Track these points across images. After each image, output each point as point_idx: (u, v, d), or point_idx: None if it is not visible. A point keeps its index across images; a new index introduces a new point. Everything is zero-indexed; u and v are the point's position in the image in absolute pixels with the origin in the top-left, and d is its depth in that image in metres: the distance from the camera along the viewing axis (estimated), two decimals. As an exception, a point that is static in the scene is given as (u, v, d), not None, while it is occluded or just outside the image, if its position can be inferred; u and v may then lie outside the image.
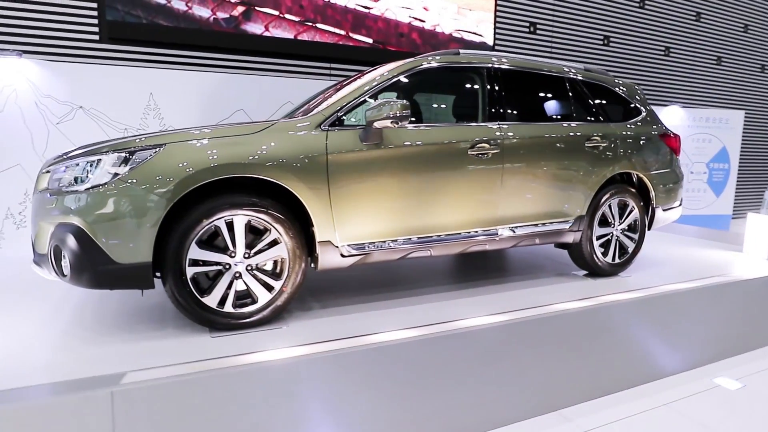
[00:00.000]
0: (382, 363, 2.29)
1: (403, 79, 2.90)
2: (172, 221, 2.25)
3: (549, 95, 3.43)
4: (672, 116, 7.64)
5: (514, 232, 3.10)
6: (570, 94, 3.45)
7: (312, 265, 2.63)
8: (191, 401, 1.88)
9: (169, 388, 1.83)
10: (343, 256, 2.62)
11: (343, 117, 2.64)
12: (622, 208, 3.55)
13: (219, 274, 2.36)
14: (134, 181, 2.17)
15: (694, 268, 3.85)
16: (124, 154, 2.21)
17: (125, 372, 1.93)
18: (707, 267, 3.87)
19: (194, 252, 2.28)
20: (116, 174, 2.18)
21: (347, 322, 2.57)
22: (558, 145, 3.21)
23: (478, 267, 3.82)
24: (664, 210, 3.80)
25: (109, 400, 1.70)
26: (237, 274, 2.38)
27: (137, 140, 2.28)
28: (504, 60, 3.24)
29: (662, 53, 8.25)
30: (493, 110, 3.07)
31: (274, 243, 2.44)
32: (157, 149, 2.24)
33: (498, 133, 2.99)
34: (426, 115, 3.38)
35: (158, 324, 2.50)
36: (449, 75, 3.18)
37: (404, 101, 2.54)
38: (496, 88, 3.12)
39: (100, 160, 2.21)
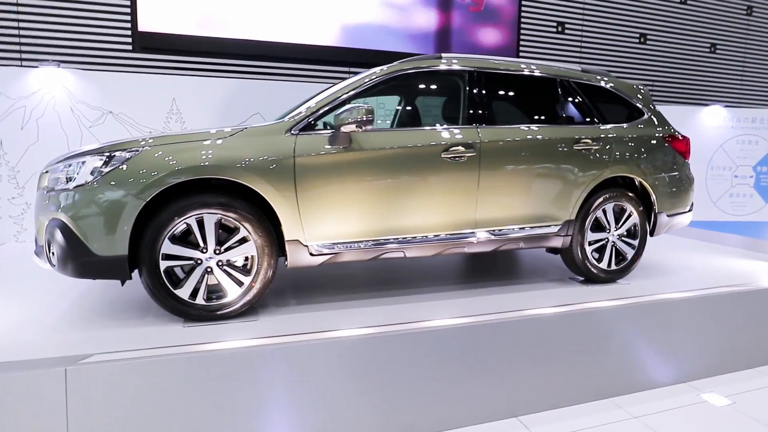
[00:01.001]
0: (340, 358, 2.38)
1: (382, 84, 2.97)
2: (148, 218, 2.45)
3: (535, 97, 3.38)
4: (713, 117, 7.15)
5: (493, 235, 3.09)
6: (560, 95, 3.38)
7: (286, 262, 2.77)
8: (141, 382, 2.06)
9: (119, 368, 2.03)
10: (312, 254, 2.74)
11: (315, 121, 2.75)
12: (619, 213, 3.43)
13: (193, 269, 2.54)
14: (112, 181, 2.39)
15: (708, 276, 3.64)
16: (105, 156, 2.44)
17: (92, 353, 2.15)
18: (723, 276, 3.64)
19: (167, 247, 2.47)
20: (98, 174, 2.41)
21: (317, 318, 2.68)
22: (541, 148, 3.16)
23: (477, 269, 3.81)
24: (669, 215, 3.62)
25: (62, 376, 1.90)
26: (208, 269, 2.55)
27: (124, 143, 2.51)
28: (488, 63, 3.22)
29: (707, 50, 7.74)
30: (473, 113, 3.08)
31: (243, 240, 2.59)
32: (135, 152, 2.45)
33: (475, 137, 3.00)
34: (407, 119, 3.43)
35: (142, 313, 2.72)
36: (431, 79, 3.22)
37: (369, 106, 2.62)
38: (477, 91, 3.12)
39: (85, 161, 2.45)
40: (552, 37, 6.73)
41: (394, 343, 2.47)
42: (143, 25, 5.05)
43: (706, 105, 7.48)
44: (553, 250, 3.47)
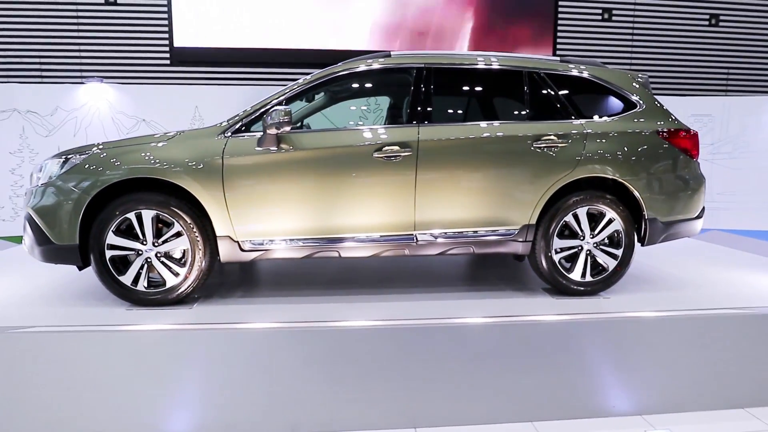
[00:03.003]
0: (246, 349, 2.50)
1: (327, 84, 3.04)
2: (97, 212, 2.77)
3: (494, 92, 3.17)
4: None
5: (436, 238, 2.97)
6: (525, 89, 3.12)
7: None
8: (61, 354, 2.37)
9: (41, 339, 2.37)
10: (243, 250, 2.87)
11: (249, 124, 2.88)
12: (596, 218, 3.08)
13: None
14: (65, 180, 2.74)
15: (718, 295, 3.11)
16: (62, 159, 2.81)
17: (34, 325, 2.50)
18: (737, 298, 3.08)
19: (111, 238, 2.77)
20: (56, 175, 2.79)
21: (246, 311, 2.81)
22: (490, 146, 2.97)
23: (445, 274, 3.68)
24: (665, 223, 3.16)
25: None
26: (148, 259, 2.81)
27: (79, 148, 2.87)
28: (440, 58, 3.10)
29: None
30: (416, 111, 2.99)
31: (178, 234, 2.81)
32: (85, 155, 2.79)
33: (413, 136, 2.91)
34: (354, 119, 3.42)
35: (104, 296, 3.04)
36: (380, 78, 3.19)
37: (287, 109, 2.69)
38: (425, 88, 3.02)
39: (48, 163, 2.84)
40: (596, 26, 6.16)
41: (297, 339, 2.52)
42: (178, 42, 5.62)
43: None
44: (517, 257, 3.23)
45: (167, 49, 5.65)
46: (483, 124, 3.03)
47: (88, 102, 5.23)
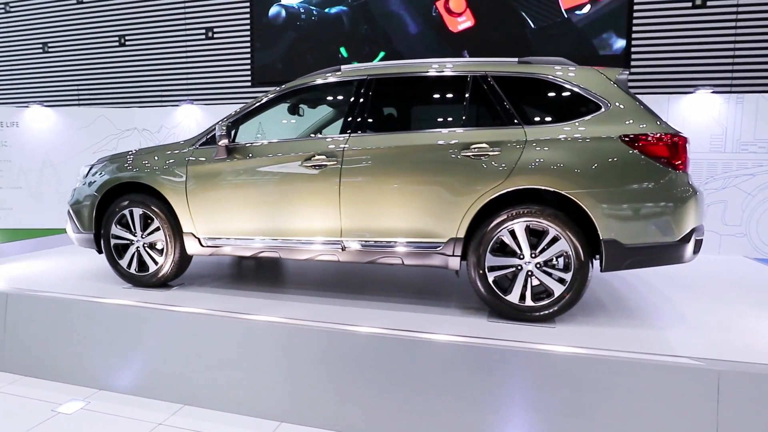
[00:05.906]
0: (186, 328, 2.98)
1: (279, 100, 3.39)
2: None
3: (433, 100, 3.09)
4: None
5: (362, 246, 3.04)
6: (466, 95, 2.96)
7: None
8: (48, 316, 3.15)
9: (35, 301, 3.18)
10: (202, 245, 3.36)
11: (214, 137, 3.36)
12: (538, 235, 2.77)
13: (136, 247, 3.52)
14: (86, 183, 3.59)
15: (700, 343, 2.55)
16: (89, 165, 3.67)
17: (47, 290, 3.36)
18: (726, 347, 2.50)
19: (114, 230, 3.52)
20: (83, 178, 3.65)
21: (204, 299, 3.29)
22: (414, 155, 2.92)
23: (416, 285, 3.65)
24: (631, 247, 2.67)
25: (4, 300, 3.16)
26: (137, 248, 3.49)
27: (101, 158, 3.71)
28: (383, 69, 3.15)
29: None
30: (349, 122, 3.10)
31: (158, 229, 3.42)
32: (99, 164, 3.59)
33: (340, 146, 3.03)
34: (299, 131, 3.62)
35: (115, 278, 3.81)
36: (327, 92, 3.37)
37: (227, 123, 3.12)
38: (362, 99, 3.11)
39: (81, 169, 3.74)
40: (685, 15, 5.16)
41: (217, 323, 2.91)
42: (259, 63, 6.51)
43: None
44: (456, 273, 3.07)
45: (249, 71, 6.60)
46: (409, 132, 3.00)
47: (182, 121, 6.44)
